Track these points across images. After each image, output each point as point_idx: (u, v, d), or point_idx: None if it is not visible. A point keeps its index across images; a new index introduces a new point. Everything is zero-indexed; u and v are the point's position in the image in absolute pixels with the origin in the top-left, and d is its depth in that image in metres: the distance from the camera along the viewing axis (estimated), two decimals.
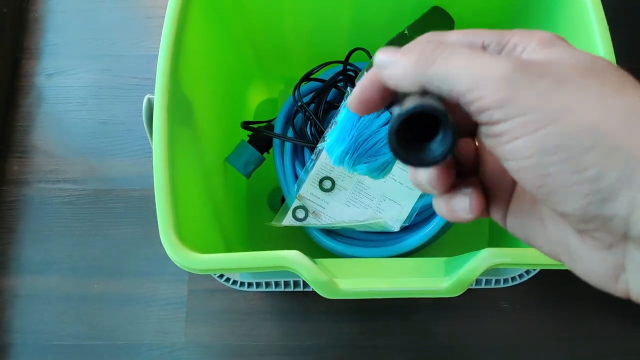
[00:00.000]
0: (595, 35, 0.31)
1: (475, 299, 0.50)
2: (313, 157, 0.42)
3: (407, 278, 0.29)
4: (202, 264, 0.28)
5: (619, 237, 0.14)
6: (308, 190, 0.41)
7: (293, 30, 0.45)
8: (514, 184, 0.18)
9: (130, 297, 0.50)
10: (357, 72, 0.44)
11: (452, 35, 0.17)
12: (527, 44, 0.16)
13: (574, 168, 0.13)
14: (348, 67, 0.44)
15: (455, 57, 0.15)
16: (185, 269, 0.29)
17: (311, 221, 0.42)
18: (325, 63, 0.44)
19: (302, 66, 0.46)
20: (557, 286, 0.50)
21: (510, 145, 0.14)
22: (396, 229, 0.42)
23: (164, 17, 0.33)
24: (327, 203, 0.42)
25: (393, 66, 0.16)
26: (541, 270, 0.41)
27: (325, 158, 0.41)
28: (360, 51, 0.44)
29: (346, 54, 0.44)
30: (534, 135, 0.14)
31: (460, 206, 0.17)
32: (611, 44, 0.31)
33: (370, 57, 0.43)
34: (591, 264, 0.15)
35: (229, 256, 0.29)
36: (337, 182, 0.42)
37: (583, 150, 0.13)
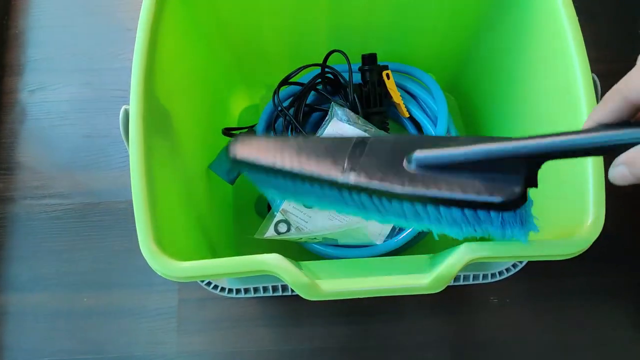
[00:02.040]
0: (567, 33, 0.32)
1: (464, 295, 0.50)
2: None
3: (389, 276, 0.29)
4: (181, 272, 0.28)
5: None
6: (291, 204, 0.42)
7: (271, 36, 0.45)
8: None
9: (120, 310, 0.50)
10: (335, 75, 0.44)
11: None
12: None
13: None
14: (326, 69, 0.44)
15: None
16: (166, 277, 0.29)
17: (293, 234, 0.42)
18: (303, 67, 0.44)
19: (283, 71, 0.46)
20: (545, 280, 0.50)
21: None
22: (379, 242, 0.42)
23: None
24: (310, 217, 0.42)
25: None
26: (529, 264, 0.41)
27: None
28: (337, 53, 0.44)
29: (324, 56, 0.44)
30: None
31: None
32: (582, 42, 0.31)
33: (348, 59, 0.44)
34: None
35: (208, 262, 0.29)
36: None
37: None
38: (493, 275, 0.42)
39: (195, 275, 0.29)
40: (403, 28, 0.44)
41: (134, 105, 0.31)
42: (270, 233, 0.42)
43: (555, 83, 0.34)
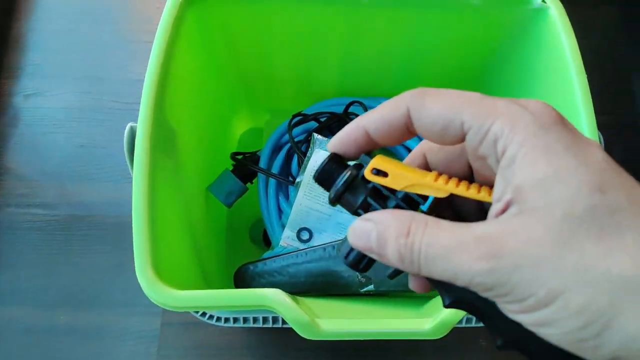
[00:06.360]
0: (574, 84, 0.33)
1: (453, 337, 0.49)
2: (295, 187, 0.42)
3: (389, 319, 0.29)
4: (179, 302, 0.27)
5: None
6: (289, 236, 0.42)
7: (281, 63, 0.45)
8: None
9: (99, 330, 0.47)
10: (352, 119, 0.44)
11: (434, 108, 0.16)
12: (509, 139, 0.14)
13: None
14: (348, 117, 0.44)
15: (433, 257, 0.15)
16: (162, 306, 0.28)
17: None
18: (326, 113, 0.44)
19: (289, 98, 0.46)
20: None
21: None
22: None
23: (148, 42, 0.32)
24: (308, 245, 0.42)
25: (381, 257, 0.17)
26: None
27: (300, 205, 0.42)
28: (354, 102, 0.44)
29: (333, 88, 0.45)
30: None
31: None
32: (589, 93, 0.32)
33: (366, 109, 0.44)
34: None
35: (207, 293, 0.28)
36: (315, 229, 0.42)
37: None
38: None
39: (192, 305, 0.28)
40: (413, 69, 0.45)
41: (142, 125, 0.30)
42: None
43: None
